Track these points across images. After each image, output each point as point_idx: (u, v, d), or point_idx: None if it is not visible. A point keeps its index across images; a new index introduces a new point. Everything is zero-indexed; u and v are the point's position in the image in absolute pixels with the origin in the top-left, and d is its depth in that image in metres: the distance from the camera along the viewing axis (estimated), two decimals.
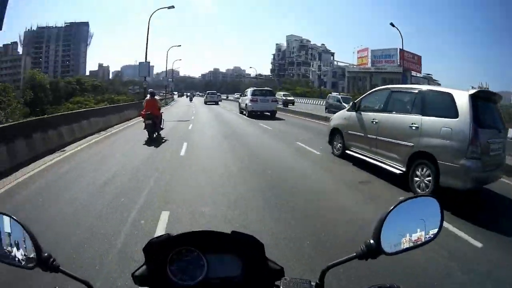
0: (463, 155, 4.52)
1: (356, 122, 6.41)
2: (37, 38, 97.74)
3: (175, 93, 79.34)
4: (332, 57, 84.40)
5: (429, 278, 2.89)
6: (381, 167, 5.73)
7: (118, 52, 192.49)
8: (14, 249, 0.88)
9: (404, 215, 0.90)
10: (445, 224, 2.25)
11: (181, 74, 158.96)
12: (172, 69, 64.97)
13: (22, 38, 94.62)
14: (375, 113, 6.02)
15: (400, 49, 52.22)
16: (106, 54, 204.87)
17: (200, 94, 62.09)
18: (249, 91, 19.40)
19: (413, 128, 5.15)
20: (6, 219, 0.87)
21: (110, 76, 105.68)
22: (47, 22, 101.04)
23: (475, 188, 4.75)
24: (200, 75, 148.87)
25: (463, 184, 4.51)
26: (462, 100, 4.76)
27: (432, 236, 0.92)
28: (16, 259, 0.87)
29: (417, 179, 5.04)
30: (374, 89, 6.54)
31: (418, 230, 0.92)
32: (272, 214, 4.05)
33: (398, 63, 51.62)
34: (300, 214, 4.09)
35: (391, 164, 5.34)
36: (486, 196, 5.33)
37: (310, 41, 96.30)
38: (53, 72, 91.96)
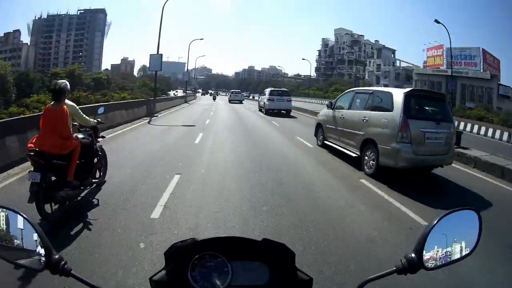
0: (394, 140, 6.08)
1: (331, 118, 8.41)
2: (47, 27, 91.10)
3: (199, 90, 78.01)
4: (393, 55, 70.30)
5: None
6: (343, 152, 7.73)
7: (149, 48, 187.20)
8: (23, 249, 0.83)
9: (445, 228, 0.89)
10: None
11: (214, 71, 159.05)
12: (195, 67, 66.44)
13: (30, 27, 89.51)
14: (343, 110, 7.93)
15: (483, 49, 43.23)
16: (134, 48, 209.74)
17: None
18: (267, 91, 22.46)
19: (364, 121, 6.88)
20: (18, 217, 0.83)
21: (135, 71, 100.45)
22: (58, 9, 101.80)
23: (409, 167, 6.21)
24: (233, 73, 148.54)
25: (395, 163, 6.07)
26: (398, 97, 6.27)
27: (471, 249, 0.91)
28: (25, 260, 0.83)
29: (366, 160, 6.74)
30: (345, 92, 8.70)
31: (458, 243, 0.91)
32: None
33: (482, 67, 42.72)
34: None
35: (350, 149, 7.27)
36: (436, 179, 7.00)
37: (363, 35, 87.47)
38: (64, 64, 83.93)
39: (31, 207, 3.37)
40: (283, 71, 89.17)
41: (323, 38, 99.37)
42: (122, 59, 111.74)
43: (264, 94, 23.23)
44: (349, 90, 8.34)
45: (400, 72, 62.90)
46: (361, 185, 5.76)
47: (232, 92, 44.62)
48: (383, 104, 6.38)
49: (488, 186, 6.42)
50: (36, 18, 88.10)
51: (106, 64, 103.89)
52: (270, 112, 20.75)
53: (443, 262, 0.90)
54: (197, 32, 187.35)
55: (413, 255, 0.87)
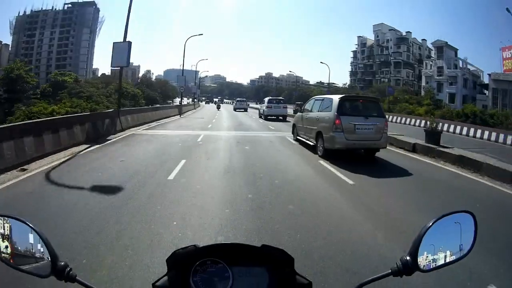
0: (332, 130, 8.94)
1: (300, 119, 11.88)
2: (30, 24, 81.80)
3: (203, 98, 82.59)
4: (455, 55, 56.94)
5: None
6: (307, 143, 11.88)
7: (162, 56, 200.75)
8: (28, 256, 0.92)
9: (439, 231, 0.98)
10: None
11: (228, 79, 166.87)
12: (197, 75, 64.97)
13: (13, 25, 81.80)
14: (307, 113, 12.36)
15: None
16: (141, 52, 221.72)
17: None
18: (266, 99, 28.34)
19: (317, 119, 10.44)
20: (23, 226, 0.93)
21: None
22: (44, 3, 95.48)
23: (343, 148, 9.96)
24: (249, 81, 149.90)
25: (332, 146, 9.74)
26: (335, 101, 9.32)
27: (466, 252, 1.01)
28: (30, 266, 0.92)
29: (318, 146, 10.90)
30: (309, 99, 13.26)
31: (453, 245, 0.99)
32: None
33: None
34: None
35: (310, 140, 10.69)
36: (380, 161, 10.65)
37: (411, 32, 75.97)
38: (46, 67, 77.34)
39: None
40: (303, 79, 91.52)
41: (359, 36, 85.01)
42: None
43: (264, 102, 30.02)
44: (311, 98, 11.56)
45: (468, 78, 51.29)
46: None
47: (238, 101, 51.16)
48: (327, 106, 9.58)
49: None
50: (20, 14, 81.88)
51: (105, 68, 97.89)
52: (268, 118, 27.35)
53: (438, 264, 0.99)
54: (210, 39, 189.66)
55: (408, 257, 0.96)
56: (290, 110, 30.32)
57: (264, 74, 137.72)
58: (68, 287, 1.05)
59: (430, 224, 0.97)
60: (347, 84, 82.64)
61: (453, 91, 49.13)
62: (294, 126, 14.21)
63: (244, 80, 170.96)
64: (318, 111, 11.19)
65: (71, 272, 0.92)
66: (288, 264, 0.99)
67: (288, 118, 27.50)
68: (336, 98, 10.46)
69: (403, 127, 23.11)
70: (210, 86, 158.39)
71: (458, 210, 1.00)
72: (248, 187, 6.51)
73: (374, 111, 10.40)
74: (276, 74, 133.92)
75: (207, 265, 0.99)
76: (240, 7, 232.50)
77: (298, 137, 13.17)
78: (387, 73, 75.27)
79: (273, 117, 27.38)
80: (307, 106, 12.60)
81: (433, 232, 0.96)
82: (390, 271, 0.97)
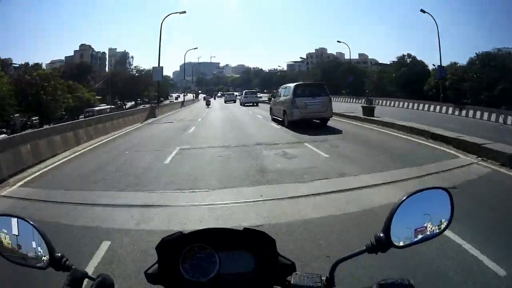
0: (291, 108, 13.47)
1: (274, 103, 16.53)
2: None
3: (202, 94, 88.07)
4: None
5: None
6: (278, 119, 20.03)
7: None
8: (27, 249, 1.05)
9: (415, 207, 1.00)
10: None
11: (252, 66, 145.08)
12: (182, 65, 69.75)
13: None
14: (277, 98, 17.90)
15: None
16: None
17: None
18: (244, 92, 47.18)
19: (282, 101, 15.05)
20: (21, 222, 1.06)
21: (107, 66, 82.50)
22: None
23: (299, 119, 16.97)
24: (284, 65, 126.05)
25: (292, 118, 14.27)
26: (292, 88, 13.73)
27: (442, 228, 1.06)
28: (29, 259, 1.05)
29: (284, 120, 19.30)
30: (279, 88, 16.21)
31: (428, 222, 1.01)
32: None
33: None
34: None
35: (280, 117, 16.16)
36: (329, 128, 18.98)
37: None
38: None
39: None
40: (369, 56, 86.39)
41: None
42: (80, 46, 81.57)
43: (242, 94, 47.35)
44: (280, 87, 16.12)
45: None
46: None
47: (227, 94, 64.49)
48: (288, 92, 14.17)
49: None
50: None
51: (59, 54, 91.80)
52: (245, 104, 42.36)
53: (414, 240, 1.02)
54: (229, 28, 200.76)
55: (381, 234, 1.00)
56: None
57: (314, 50, 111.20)
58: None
59: (402, 199, 0.99)
60: None
61: None
62: (270, 109, 23.02)
63: (273, 67, 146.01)
64: (283, 96, 16.52)
65: (67, 263, 1.03)
66: (270, 246, 1.09)
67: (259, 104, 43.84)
68: (292, 85, 17.94)
69: None
70: (232, 77, 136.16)
71: (432, 186, 1.02)
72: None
73: (320, 92, 15.15)
74: (330, 50, 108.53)
75: (195, 251, 1.10)
76: None
77: (273, 117, 21.65)
78: None
79: (250, 104, 41.80)
80: (278, 92, 18.61)
81: (408, 208, 0.98)
82: (365, 248, 1.02)
